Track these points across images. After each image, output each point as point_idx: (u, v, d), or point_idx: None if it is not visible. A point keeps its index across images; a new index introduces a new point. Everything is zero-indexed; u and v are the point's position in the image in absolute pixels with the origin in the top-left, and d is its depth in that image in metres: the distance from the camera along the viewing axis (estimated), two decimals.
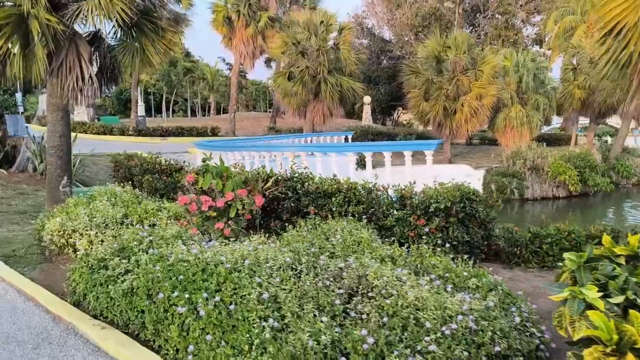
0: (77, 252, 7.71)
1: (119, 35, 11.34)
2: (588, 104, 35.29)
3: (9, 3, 9.93)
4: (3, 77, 10.93)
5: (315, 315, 4.70)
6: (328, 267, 5.62)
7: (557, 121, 62.09)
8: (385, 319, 4.63)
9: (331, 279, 5.37)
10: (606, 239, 4.34)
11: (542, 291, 7.46)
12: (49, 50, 9.89)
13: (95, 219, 7.90)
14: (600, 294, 3.86)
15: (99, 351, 5.08)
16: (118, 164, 13.59)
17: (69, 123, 11.44)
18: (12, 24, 9.55)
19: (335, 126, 39.49)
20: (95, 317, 5.66)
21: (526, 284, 7.60)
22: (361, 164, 16.52)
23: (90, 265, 6.02)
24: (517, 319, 4.87)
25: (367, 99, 44.52)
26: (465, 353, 4.24)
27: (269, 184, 8.07)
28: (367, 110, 48.80)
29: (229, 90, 67.49)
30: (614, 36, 9.32)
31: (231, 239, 7.38)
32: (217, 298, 4.83)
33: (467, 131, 31.43)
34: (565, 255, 4.45)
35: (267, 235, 7.24)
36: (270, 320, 4.53)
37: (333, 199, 8.78)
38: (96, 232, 7.66)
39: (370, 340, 4.18)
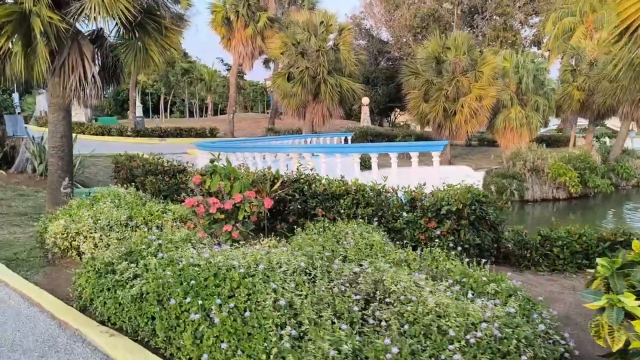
0: (81, 255, 7.56)
1: (121, 34, 11.14)
2: (587, 106, 35.23)
3: (10, 0, 9.76)
4: (3, 77, 10.76)
5: (333, 323, 4.54)
6: (342, 272, 5.45)
7: (554, 122, 62.21)
8: (405, 327, 4.47)
9: (347, 284, 5.21)
10: (636, 244, 4.19)
11: (557, 296, 7.34)
12: (51, 49, 9.71)
13: (99, 222, 7.73)
14: (639, 302, 3.71)
15: (107, 359, 4.91)
16: (119, 165, 13.40)
17: (70, 123, 11.27)
18: (13, 22, 9.38)
19: (333, 127, 39.37)
20: (102, 323, 5.49)
21: (540, 289, 7.46)
22: (366, 165, 16.39)
23: (96, 269, 5.84)
24: (542, 327, 4.70)
25: (365, 100, 44.42)
26: None
27: (277, 185, 7.90)
28: (365, 112, 48.68)
29: (227, 91, 67.35)
30: (628, 36, 9.17)
31: (240, 242, 7.25)
32: (232, 304, 4.66)
33: (467, 132, 31.36)
34: (598, 260, 4.29)
35: (273, 238, 7.05)
36: (288, 328, 4.36)
37: (341, 201, 8.63)
38: (101, 235, 7.49)
39: (395, 349, 4.01)
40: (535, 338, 4.50)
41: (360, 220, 7.78)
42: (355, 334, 4.44)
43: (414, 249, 7.62)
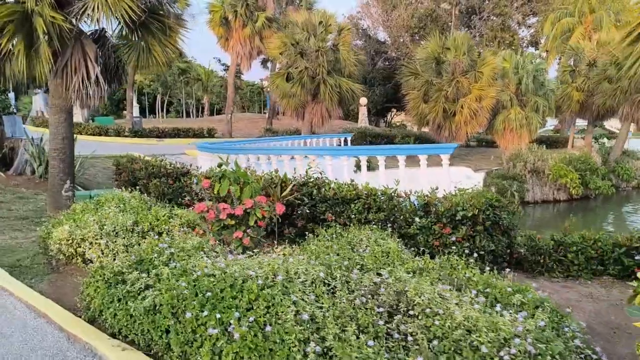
0: (87, 262, 7.36)
1: (123, 34, 10.92)
2: (586, 107, 35.14)
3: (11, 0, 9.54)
4: (2, 77, 10.55)
5: (357, 337, 4.35)
6: (362, 282, 5.26)
7: (550, 123, 62.17)
8: (434, 342, 4.27)
9: (368, 296, 5.01)
10: None
11: (575, 304, 7.15)
12: (54, 49, 9.48)
13: (105, 227, 7.51)
14: None
15: None
16: (121, 167, 13.16)
17: (72, 125, 11.05)
18: (15, 21, 9.15)
19: (330, 128, 39.14)
20: (113, 335, 5.27)
21: (556, 296, 7.27)
22: (368, 166, 16.11)
23: (106, 279, 5.63)
24: (577, 341, 4.51)
25: (363, 100, 44.12)
26: None
27: (288, 190, 7.70)
28: (363, 112, 48.41)
29: (224, 91, 67.02)
30: None
31: (250, 249, 7.05)
32: (251, 318, 4.45)
33: (467, 133, 31.19)
34: None
35: (281, 243, 6.84)
36: (312, 344, 4.16)
37: (352, 205, 8.43)
38: (107, 241, 7.28)
39: None
40: (569, 354, 4.32)
41: (374, 226, 7.57)
42: (382, 349, 4.25)
43: (428, 255, 7.45)
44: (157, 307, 4.97)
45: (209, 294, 4.78)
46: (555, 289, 7.81)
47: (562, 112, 37.45)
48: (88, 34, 10.68)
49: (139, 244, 7.39)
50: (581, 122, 44.75)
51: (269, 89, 51.55)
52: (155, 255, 5.75)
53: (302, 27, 30.72)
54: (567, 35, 43.61)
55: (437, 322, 4.43)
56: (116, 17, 9.56)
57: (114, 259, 6.96)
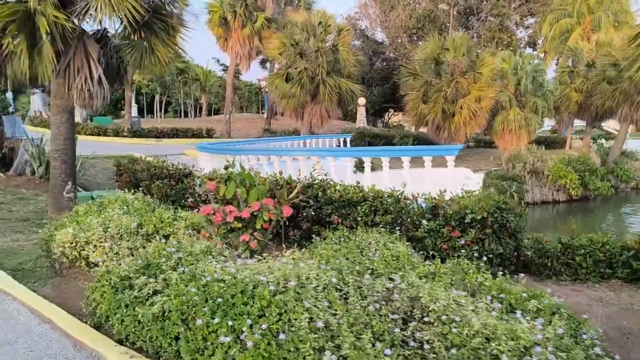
0: (90, 265, 7.25)
1: (126, 34, 10.78)
2: (585, 107, 35.12)
3: None
4: (4, 77, 10.43)
5: (373, 345, 4.25)
6: (374, 288, 5.16)
7: (547, 124, 62.13)
8: (452, 351, 4.17)
9: (382, 302, 4.91)
10: None
11: (585, 308, 7.07)
12: (56, 49, 9.35)
13: (109, 230, 7.40)
14: None
15: None
16: (122, 168, 13.03)
17: (74, 125, 10.92)
18: (17, 21, 9.02)
19: (329, 128, 39.01)
20: (120, 342, 5.15)
21: (566, 301, 7.13)
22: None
23: (112, 283, 5.51)
24: (597, 349, 4.41)
25: (361, 100, 44.01)
26: None
27: (295, 192, 7.60)
28: (361, 112, 48.30)
29: (223, 91, 66.79)
30: None
31: (258, 252, 6.95)
32: (264, 325, 4.35)
33: (466, 134, 31.11)
34: None
35: (296, 249, 6.74)
36: (328, 353, 4.06)
37: (358, 208, 8.34)
38: (111, 244, 7.17)
39: None
40: None
41: (382, 229, 7.46)
42: (400, 358, 4.15)
43: (435, 258, 7.36)
44: (166, 314, 4.86)
45: (219, 300, 4.67)
46: (564, 293, 7.72)
47: (560, 113, 37.39)
48: (90, 34, 10.55)
49: (144, 247, 7.28)
50: (578, 123, 44.82)
51: (266, 90, 51.37)
52: (163, 259, 5.63)
53: (302, 27, 30.61)
54: (565, 36, 43.61)
55: (454, 330, 4.33)
56: (119, 16, 9.42)
57: (119, 262, 6.87)
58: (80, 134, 30.79)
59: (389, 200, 8.29)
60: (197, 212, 7.85)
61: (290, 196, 7.52)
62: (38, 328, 5.54)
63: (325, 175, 9.25)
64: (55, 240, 7.60)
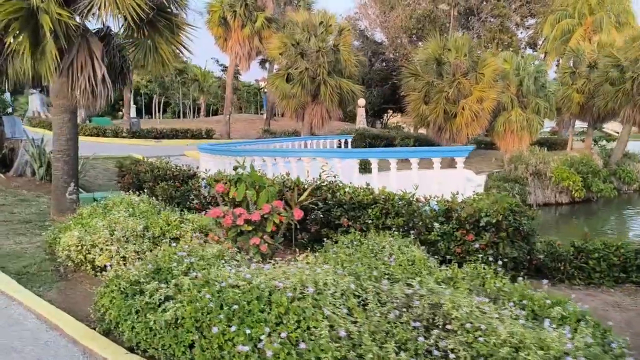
0: (96, 269, 7.08)
1: (129, 33, 10.59)
2: (586, 109, 34.98)
3: None
4: (5, 77, 10.26)
5: (397, 354, 4.08)
6: (393, 294, 4.99)
7: (547, 125, 62.06)
8: None
9: (403, 309, 4.74)
10: None
11: (602, 313, 6.90)
12: (59, 47, 9.16)
13: (115, 233, 7.23)
14: None
15: None
16: (124, 169, 12.85)
17: (77, 126, 10.75)
18: (20, 19, 8.84)
19: (328, 129, 38.83)
20: (131, 350, 4.97)
21: (582, 306, 7.02)
22: (370, 169, 15.81)
23: (122, 289, 5.33)
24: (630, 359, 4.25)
25: (361, 101, 43.76)
26: None
27: (305, 195, 7.42)
28: (361, 113, 48.08)
29: (222, 91, 66.56)
30: None
31: (268, 256, 6.80)
32: (283, 334, 4.18)
33: (468, 135, 30.95)
34: None
35: (310, 253, 6.56)
36: None
37: (369, 210, 8.17)
38: (118, 248, 7.00)
39: None
40: None
41: (396, 232, 7.29)
42: None
43: (450, 263, 7.20)
44: (179, 321, 4.69)
45: (235, 307, 4.50)
46: (579, 298, 7.53)
47: (562, 114, 37.27)
48: (93, 32, 10.37)
49: (151, 250, 7.13)
50: (578, 125, 44.68)
51: (265, 90, 51.09)
52: (175, 264, 5.45)
53: (303, 27, 30.43)
54: (566, 36, 43.47)
55: (481, 339, 4.16)
56: (123, 14, 9.23)
57: (125, 265, 6.70)
58: (79, 135, 30.66)
59: (400, 202, 8.13)
60: (205, 214, 7.69)
61: (301, 198, 7.35)
62: (45, 335, 5.35)
63: (335, 177, 9.08)
64: (60, 243, 7.43)
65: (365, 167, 14.69)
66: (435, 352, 4.20)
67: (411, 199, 8.17)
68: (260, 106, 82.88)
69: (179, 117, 75.91)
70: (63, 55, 9.45)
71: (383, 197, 8.19)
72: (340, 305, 4.65)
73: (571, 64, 36.99)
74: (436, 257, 7.09)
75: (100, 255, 7.01)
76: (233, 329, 4.30)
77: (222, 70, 71.92)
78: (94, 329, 5.41)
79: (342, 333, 4.13)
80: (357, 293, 4.95)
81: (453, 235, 7.54)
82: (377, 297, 4.94)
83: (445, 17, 53.30)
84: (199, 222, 7.97)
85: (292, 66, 30.02)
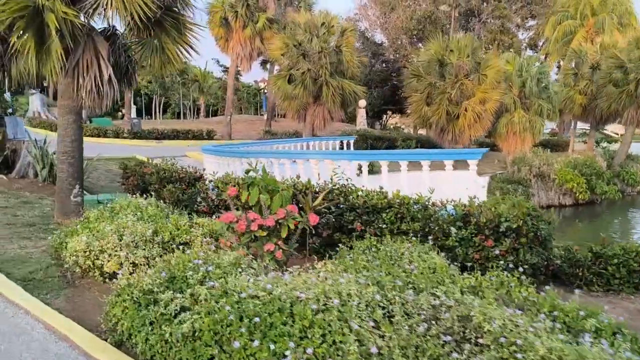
0: (104, 276, 6.86)
1: (136, 32, 10.35)
2: (589, 110, 34.82)
3: None
4: (8, 77, 10.04)
5: None
6: (419, 304, 4.77)
7: (547, 127, 61.92)
8: None
9: (432, 322, 4.52)
10: None
11: (627, 322, 6.69)
12: (64, 47, 8.92)
13: (124, 238, 7.01)
14: None
15: None
16: (129, 171, 12.61)
17: (82, 127, 10.50)
18: (26, 17, 8.60)
19: (329, 130, 38.58)
20: None
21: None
22: (373, 170, 15.65)
23: (134, 298, 5.10)
24: None
25: (362, 102, 43.52)
26: None
27: (320, 199, 7.20)
28: (362, 114, 47.85)
29: (222, 92, 66.31)
30: None
31: (283, 262, 6.59)
32: (310, 350, 3.96)
33: (470, 137, 30.75)
34: None
35: (328, 262, 6.33)
36: None
37: (383, 215, 7.95)
38: (127, 253, 6.78)
39: None
40: None
41: (414, 238, 7.08)
42: None
43: (468, 269, 6.99)
44: (196, 333, 4.46)
45: (256, 319, 4.28)
46: (598, 305, 7.35)
47: (563, 116, 37.11)
48: (98, 31, 10.14)
49: (160, 256, 6.92)
50: (579, 126, 44.51)
51: (265, 90, 50.78)
52: (190, 272, 5.22)
53: (305, 28, 30.21)
54: (568, 38, 43.28)
55: (519, 355, 3.94)
56: (130, 14, 8.98)
57: (134, 271, 6.49)
58: None
59: (415, 207, 7.91)
60: (217, 219, 7.47)
61: (315, 203, 7.13)
62: (54, 346, 5.12)
63: (347, 180, 8.86)
64: (67, 248, 7.21)
65: (369, 169, 14.51)
66: None
67: (427, 202, 7.94)
68: (260, 107, 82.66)
69: (178, 117, 75.65)
70: (68, 55, 9.21)
71: (398, 201, 7.98)
72: (366, 317, 4.43)
73: (573, 65, 36.81)
74: (455, 263, 6.86)
75: (109, 261, 6.79)
76: (256, 343, 4.08)
77: (223, 71, 71.74)
78: (105, 339, 5.18)
79: (374, 349, 3.91)
80: (382, 304, 4.74)
81: (471, 241, 7.33)
82: (402, 307, 4.73)
83: (445, 18, 53.13)
84: (208, 226, 7.75)
85: (294, 67, 29.80)
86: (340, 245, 7.94)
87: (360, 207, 8.17)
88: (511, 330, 4.27)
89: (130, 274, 5.86)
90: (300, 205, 7.30)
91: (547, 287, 5.62)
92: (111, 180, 16.89)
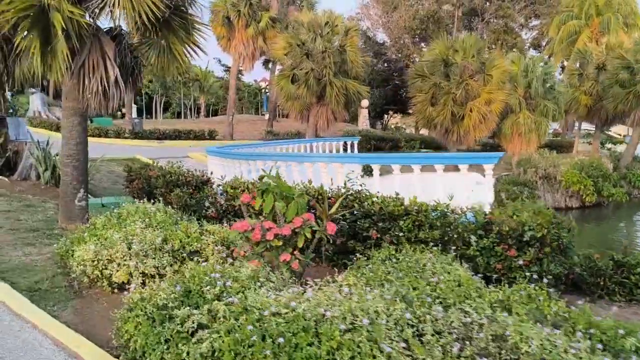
0: (113, 286, 6.61)
1: (143, 32, 10.09)
2: (594, 111, 34.60)
3: None
4: (12, 78, 9.77)
5: None
6: (449, 322, 4.52)
7: (550, 127, 61.70)
8: None
9: (465, 341, 4.27)
10: None
11: None
12: (70, 47, 8.66)
13: (133, 246, 6.75)
14: None
15: None
16: (133, 173, 12.33)
17: (86, 129, 10.24)
18: (30, 17, 8.34)
19: (331, 130, 38.32)
20: None
21: None
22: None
23: (148, 313, 4.84)
24: None
25: (365, 102, 43.33)
26: None
27: (337, 206, 6.92)
28: (364, 114, 47.69)
29: (224, 92, 65.98)
30: None
31: (299, 273, 6.35)
32: None
33: (475, 138, 30.52)
34: None
35: (349, 273, 6.08)
36: None
37: (400, 222, 7.68)
38: (136, 263, 6.52)
39: None
40: None
41: (434, 248, 6.82)
42: None
43: (489, 280, 6.75)
44: (216, 354, 4.20)
45: (281, 339, 4.02)
46: (623, 316, 7.09)
47: (567, 116, 36.88)
48: (104, 31, 9.88)
49: (171, 265, 6.68)
50: (582, 126, 44.28)
51: (266, 90, 50.45)
52: (207, 287, 4.95)
53: (308, 27, 29.95)
54: (572, 38, 43.03)
55: None
56: (138, 13, 8.71)
57: (144, 282, 6.25)
58: None
59: (434, 214, 7.65)
60: (230, 227, 7.21)
61: (332, 210, 6.86)
62: None
63: (361, 185, 8.60)
64: (74, 257, 6.95)
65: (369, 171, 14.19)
66: None
67: (446, 210, 7.68)
68: (261, 106, 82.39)
69: (179, 117, 75.37)
70: (74, 56, 8.93)
71: (416, 207, 7.71)
72: (395, 337, 4.17)
73: (578, 66, 36.58)
74: (478, 274, 6.61)
75: (117, 270, 6.53)
76: None
77: (225, 71, 71.46)
78: (117, 357, 4.92)
79: None
80: (411, 322, 4.48)
81: (493, 250, 7.07)
82: (431, 324, 4.48)
83: (448, 17, 52.93)
84: (219, 234, 7.50)
85: (298, 67, 29.52)
86: (354, 253, 7.72)
87: (376, 214, 7.91)
88: (550, 352, 4.02)
89: (143, 285, 5.60)
90: (315, 212, 7.03)
91: (583, 303, 5.36)
92: (114, 182, 16.63)
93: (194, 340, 4.40)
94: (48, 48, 8.51)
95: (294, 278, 5.99)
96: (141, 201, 8.99)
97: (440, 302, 5.05)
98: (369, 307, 4.46)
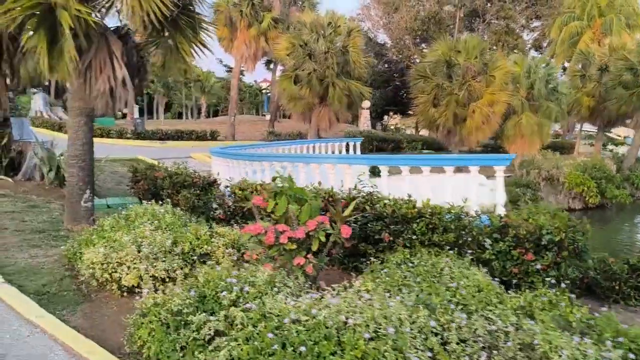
0: (122, 289, 6.48)
1: (150, 31, 9.95)
2: (596, 112, 34.45)
3: None
4: (17, 77, 9.65)
5: None
6: (473, 329, 4.39)
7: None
8: None
9: (491, 349, 4.14)
10: None
11: None
12: (77, 47, 8.52)
13: (143, 249, 6.62)
14: None
15: None
16: (138, 174, 12.18)
17: (92, 130, 10.08)
18: (37, 15, 8.21)
19: (333, 131, 38.18)
20: None
21: None
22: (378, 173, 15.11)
23: (162, 320, 4.71)
24: None
25: (366, 103, 43.18)
26: None
27: (350, 209, 6.78)
28: (365, 115, 47.61)
29: (225, 92, 65.85)
30: None
31: (313, 277, 6.22)
32: None
33: (478, 139, 30.39)
34: None
35: (367, 280, 5.94)
36: None
37: (414, 225, 7.54)
38: (147, 266, 6.39)
39: None
40: None
41: (450, 251, 6.69)
42: None
43: (506, 284, 6.61)
44: None
45: (302, 348, 3.89)
46: None
47: (569, 118, 36.74)
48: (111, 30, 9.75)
49: (181, 268, 6.55)
50: (583, 128, 44.12)
51: (267, 90, 50.28)
52: (224, 292, 4.81)
53: (310, 28, 29.83)
54: (574, 39, 42.86)
55: None
56: (146, 12, 8.58)
57: (155, 285, 6.11)
58: None
59: (448, 216, 7.51)
60: (242, 230, 7.07)
61: (345, 213, 6.72)
62: None
63: (372, 187, 8.46)
64: (82, 259, 6.81)
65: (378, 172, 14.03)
66: None
67: (461, 212, 7.54)
68: (261, 107, 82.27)
69: (180, 117, 75.24)
70: (80, 56, 8.79)
71: (429, 210, 7.57)
72: (420, 345, 4.04)
73: (580, 67, 36.44)
74: (496, 279, 6.48)
75: (127, 274, 6.39)
76: None
77: (227, 71, 71.27)
78: None
79: None
80: (435, 330, 4.35)
81: (509, 254, 6.93)
82: (456, 331, 4.35)
83: (450, 18, 52.79)
84: (229, 236, 7.37)
85: (300, 67, 29.37)
86: (365, 256, 7.60)
87: (388, 217, 7.77)
88: None
89: (155, 290, 5.46)
90: (329, 215, 6.89)
91: (603, 309, 5.23)
92: (118, 182, 16.48)
93: (210, 347, 4.28)
94: (55, 47, 8.38)
95: (308, 282, 5.86)
96: (149, 202, 8.86)
97: (462, 309, 4.92)
98: (392, 314, 4.33)
